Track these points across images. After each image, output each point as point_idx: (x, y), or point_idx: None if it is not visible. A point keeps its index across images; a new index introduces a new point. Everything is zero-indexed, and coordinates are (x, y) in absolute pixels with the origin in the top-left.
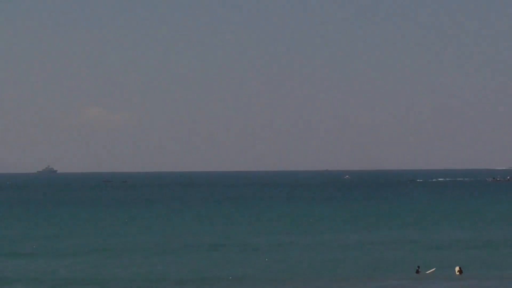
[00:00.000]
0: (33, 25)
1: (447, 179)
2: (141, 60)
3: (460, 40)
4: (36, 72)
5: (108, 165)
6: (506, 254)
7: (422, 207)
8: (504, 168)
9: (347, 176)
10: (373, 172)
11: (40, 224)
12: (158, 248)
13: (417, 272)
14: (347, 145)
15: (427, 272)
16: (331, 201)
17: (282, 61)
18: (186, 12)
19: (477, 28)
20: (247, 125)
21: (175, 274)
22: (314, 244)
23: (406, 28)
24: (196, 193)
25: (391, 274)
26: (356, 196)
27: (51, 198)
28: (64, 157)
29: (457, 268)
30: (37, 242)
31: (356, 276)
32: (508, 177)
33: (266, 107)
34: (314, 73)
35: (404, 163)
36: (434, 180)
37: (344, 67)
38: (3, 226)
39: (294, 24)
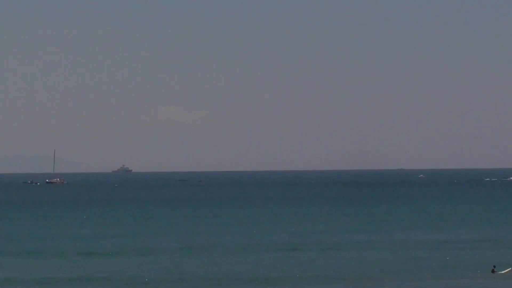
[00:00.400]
0: (106, 23)
1: None
2: (216, 59)
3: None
4: (111, 73)
5: (183, 165)
6: None
7: (497, 206)
8: None
9: (421, 175)
10: (447, 171)
11: (117, 223)
12: (238, 247)
13: (493, 271)
14: (423, 143)
15: (503, 272)
16: (400, 199)
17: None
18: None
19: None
20: (321, 123)
21: (257, 273)
22: (389, 243)
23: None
24: (269, 192)
25: (466, 273)
26: (427, 195)
27: (126, 197)
28: (139, 157)
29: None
30: (116, 240)
31: (431, 274)
32: None
33: (348, 105)
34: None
35: (473, 162)
36: (507, 179)
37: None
38: (78, 225)
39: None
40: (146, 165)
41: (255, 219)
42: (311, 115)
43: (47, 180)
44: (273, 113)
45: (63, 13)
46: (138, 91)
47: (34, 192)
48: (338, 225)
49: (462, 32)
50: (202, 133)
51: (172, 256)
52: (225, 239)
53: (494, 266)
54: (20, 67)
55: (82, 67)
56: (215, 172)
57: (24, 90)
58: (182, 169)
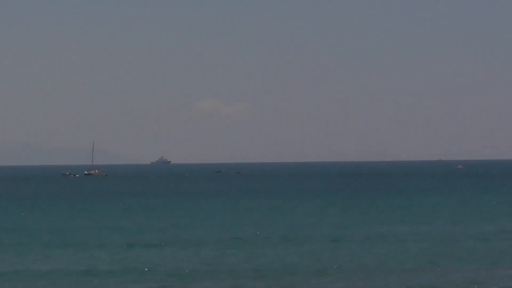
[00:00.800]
0: (145, 16)
1: None
2: (255, 51)
3: None
4: (150, 66)
5: (222, 156)
6: None
7: None
8: None
9: (460, 166)
10: (487, 162)
11: (156, 215)
12: (283, 239)
13: None
14: (460, 134)
15: None
16: (440, 190)
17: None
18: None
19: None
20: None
21: (298, 265)
22: (433, 235)
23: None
24: (310, 184)
25: None
26: (466, 185)
27: (166, 189)
28: (177, 148)
29: None
30: (158, 232)
31: (479, 265)
32: None
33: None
34: None
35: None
36: None
37: None
38: (119, 217)
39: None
40: (185, 156)
41: (299, 210)
42: (347, 104)
43: (85, 172)
44: (310, 105)
45: (103, 2)
46: (178, 83)
47: (73, 184)
48: (384, 216)
49: (491, 11)
50: (240, 125)
51: (214, 247)
52: (268, 230)
53: None
54: (59, 58)
55: (122, 59)
56: (252, 164)
57: (63, 81)
58: (220, 160)
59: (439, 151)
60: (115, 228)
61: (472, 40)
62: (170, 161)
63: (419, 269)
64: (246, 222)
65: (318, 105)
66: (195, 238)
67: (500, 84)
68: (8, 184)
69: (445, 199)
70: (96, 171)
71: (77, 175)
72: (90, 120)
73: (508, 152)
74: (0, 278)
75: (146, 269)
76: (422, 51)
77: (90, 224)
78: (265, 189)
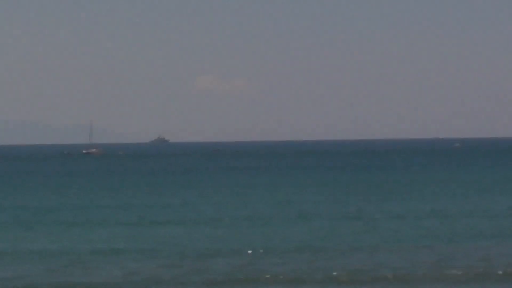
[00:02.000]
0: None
1: None
2: (252, 26)
3: None
4: (147, 43)
5: (221, 135)
6: None
7: None
8: None
9: (457, 144)
10: (485, 140)
11: (164, 192)
12: (298, 216)
13: None
14: (459, 110)
15: None
16: (442, 167)
17: None
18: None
19: None
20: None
21: (314, 242)
22: (442, 212)
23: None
24: (313, 161)
25: None
26: (474, 163)
27: (167, 167)
28: (176, 127)
29: None
30: (166, 210)
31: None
32: None
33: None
34: None
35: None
36: None
37: None
38: (124, 195)
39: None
40: (183, 135)
41: (307, 188)
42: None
43: (84, 151)
44: (313, 81)
45: None
46: (175, 60)
47: (73, 162)
48: (394, 193)
49: None
50: (238, 101)
51: (228, 225)
52: (280, 208)
53: None
54: (58, 35)
55: (119, 37)
56: (251, 142)
57: (61, 59)
58: (219, 139)
59: (437, 128)
60: (125, 206)
61: (468, 16)
62: (168, 140)
63: (435, 245)
64: (254, 199)
65: (316, 81)
66: (206, 216)
67: (497, 58)
68: (9, 163)
69: (447, 176)
70: (95, 150)
71: (78, 153)
72: (89, 98)
73: (506, 130)
74: (15, 256)
75: (159, 248)
76: (420, 29)
77: (98, 202)
78: (267, 167)
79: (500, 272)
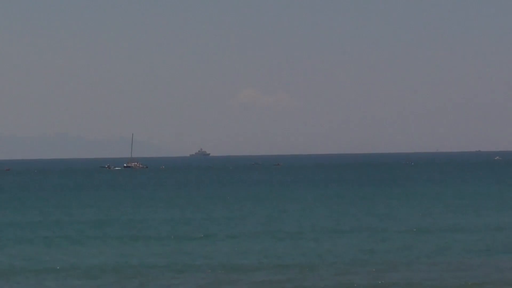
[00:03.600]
0: (184, 9)
1: None
2: (295, 40)
3: None
4: (189, 57)
5: (261, 148)
6: None
7: None
8: None
9: (497, 157)
10: None
11: (204, 207)
12: (326, 231)
13: None
14: (501, 123)
15: None
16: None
17: None
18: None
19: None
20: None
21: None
22: (482, 225)
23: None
24: (353, 175)
25: None
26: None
27: (207, 180)
28: (216, 140)
29: None
30: (207, 224)
31: None
32: None
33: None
34: None
35: None
36: None
37: None
38: (166, 209)
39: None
40: (224, 148)
41: (345, 200)
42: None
43: (125, 165)
44: (350, 95)
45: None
46: (217, 74)
47: (114, 177)
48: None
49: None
50: (280, 115)
51: (266, 240)
52: (307, 223)
53: None
54: (99, 48)
55: (160, 51)
56: (291, 156)
57: (103, 73)
58: (259, 152)
59: (478, 142)
60: (166, 220)
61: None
62: (209, 153)
63: (476, 261)
64: (293, 214)
65: (357, 95)
66: (245, 230)
67: None
68: (49, 177)
69: (487, 190)
70: (136, 163)
71: (116, 168)
72: (130, 112)
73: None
74: (60, 272)
75: (200, 264)
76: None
77: (140, 216)
78: (305, 180)
79: None
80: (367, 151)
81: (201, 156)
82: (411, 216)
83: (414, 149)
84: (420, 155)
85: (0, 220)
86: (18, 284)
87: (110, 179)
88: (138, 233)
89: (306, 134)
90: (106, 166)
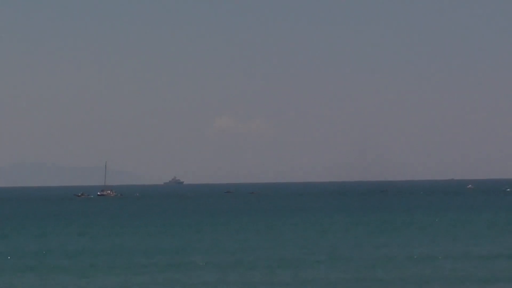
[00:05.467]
0: (158, 37)
1: None
2: (269, 68)
3: None
4: (163, 85)
5: (236, 176)
6: None
7: None
8: None
9: (470, 185)
10: (498, 181)
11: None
12: (331, 258)
13: None
14: (474, 152)
15: None
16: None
17: None
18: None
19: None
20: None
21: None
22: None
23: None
24: (335, 202)
25: None
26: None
27: (180, 208)
28: (191, 168)
29: None
30: (200, 253)
31: None
32: None
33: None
34: None
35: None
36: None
37: None
38: (156, 237)
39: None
40: (198, 176)
41: (335, 228)
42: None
43: (98, 193)
44: (326, 122)
45: (115, 23)
46: (192, 101)
47: (88, 205)
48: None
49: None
50: (255, 143)
51: (262, 269)
52: (314, 250)
53: None
54: (73, 77)
55: (134, 78)
56: (266, 184)
57: (76, 100)
58: (234, 180)
59: (451, 170)
60: (158, 249)
61: (484, 60)
62: (183, 182)
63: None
64: (282, 242)
65: (334, 122)
66: (239, 258)
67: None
68: (19, 205)
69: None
70: (110, 191)
71: (90, 196)
72: (104, 140)
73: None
74: None
75: None
76: (432, 76)
77: (126, 246)
78: (285, 208)
79: None
80: (345, 179)
81: (175, 184)
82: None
83: (388, 177)
84: (396, 183)
85: None
86: None
87: (84, 207)
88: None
89: (283, 162)
90: (80, 194)
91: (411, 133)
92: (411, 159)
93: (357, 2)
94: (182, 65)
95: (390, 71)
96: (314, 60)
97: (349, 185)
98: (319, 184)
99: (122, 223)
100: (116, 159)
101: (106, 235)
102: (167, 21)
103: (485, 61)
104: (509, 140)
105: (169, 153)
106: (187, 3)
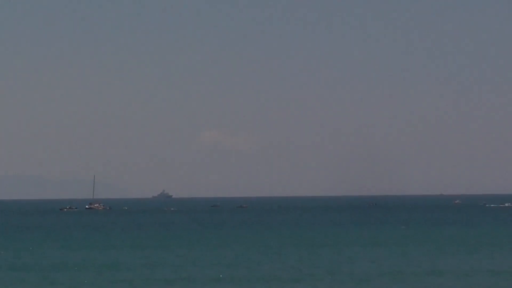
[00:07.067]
0: (146, 47)
1: None
2: (256, 83)
3: None
4: (151, 97)
5: (225, 190)
6: None
7: None
8: None
9: (457, 200)
10: (485, 196)
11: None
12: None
13: None
14: (463, 167)
15: None
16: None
17: None
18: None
19: None
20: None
21: None
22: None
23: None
24: (332, 216)
25: None
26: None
27: (168, 221)
28: (179, 182)
29: None
30: (174, 268)
31: None
32: None
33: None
34: None
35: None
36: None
37: None
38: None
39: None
40: (187, 190)
41: (341, 241)
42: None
43: (87, 206)
44: (315, 136)
45: (104, 38)
46: (179, 115)
47: (75, 218)
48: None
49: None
50: (243, 156)
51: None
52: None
53: None
54: (61, 90)
55: (122, 91)
56: (254, 198)
57: (63, 112)
58: (223, 194)
59: (440, 185)
60: (160, 263)
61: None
62: (171, 195)
63: None
64: (281, 258)
65: (322, 137)
66: (246, 274)
67: (501, 117)
68: (10, 218)
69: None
70: (98, 204)
71: (75, 208)
72: (92, 153)
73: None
74: None
75: None
76: (422, 87)
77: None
78: (278, 222)
79: None
80: (333, 193)
81: (164, 198)
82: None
83: (378, 192)
84: (385, 198)
85: None
86: None
87: (74, 220)
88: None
89: (270, 176)
90: (67, 208)
91: (404, 146)
92: (401, 173)
93: (351, 16)
94: (170, 79)
95: (381, 86)
96: (303, 74)
97: (338, 199)
98: (307, 199)
99: (115, 236)
100: (104, 173)
101: (102, 249)
102: (155, 35)
103: (479, 81)
104: (498, 158)
105: (157, 167)
106: (175, 17)
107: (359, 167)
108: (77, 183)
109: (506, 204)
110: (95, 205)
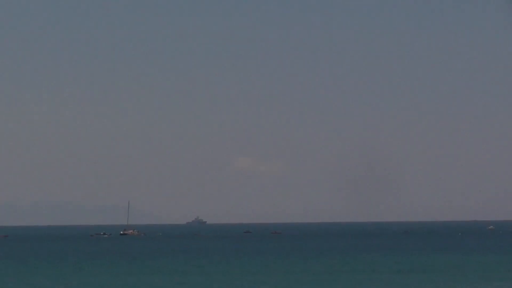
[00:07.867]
0: (181, 78)
1: None
2: (289, 109)
3: None
4: (186, 125)
5: (257, 216)
6: None
7: None
8: None
9: (491, 226)
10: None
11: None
12: None
13: None
14: (496, 193)
15: None
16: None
17: None
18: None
19: None
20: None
21: None
22: None
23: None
24: (368, 243)
25: None
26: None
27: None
28: (213, 208)
29: None
30: None
31: None
32: None
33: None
34: None
35: None
36: None
37: None
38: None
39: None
40: (220, 216)
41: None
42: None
43: (121, 232)
44: (344, 163)
45: (143, 67)
46: (213, 142)
47: (110, 244)
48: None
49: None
50: (275, 183)
51: None
52: None
53: None
54: (97, 118)
55: (158, 118)
56: (291, 224)
57: (100, 140)
58: (255, 220)
59: (473, 211)
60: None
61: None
62: (205, 221)
63: None
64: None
65: (351, 164)
66: None
67: None
68: (44, 244)
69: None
70: (132, 230)
71: (109, 234)
72: (127, 179)
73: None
74: None
75: None
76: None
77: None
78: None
79: None
80: (364, 219)
81: (198, 224)
82: None
83: (412, 218)
84: (419, 225)
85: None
86: None
87: (107, 247)
88: None
89: (303, 202)
90: (102, 233)
91: (430, 174)
92: (431, 200)
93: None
94: (205, 107)
95: (402, 114)
96: (330, 103)
97: (368, 226)
98: (335, 224)
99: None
100: (139, 199)
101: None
102: (192, 64)
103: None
104: None
105: (192, 193)
106: (215, 48)
107: (387, 193)
108: (112, 210)
109: None
110: (130, 231)
